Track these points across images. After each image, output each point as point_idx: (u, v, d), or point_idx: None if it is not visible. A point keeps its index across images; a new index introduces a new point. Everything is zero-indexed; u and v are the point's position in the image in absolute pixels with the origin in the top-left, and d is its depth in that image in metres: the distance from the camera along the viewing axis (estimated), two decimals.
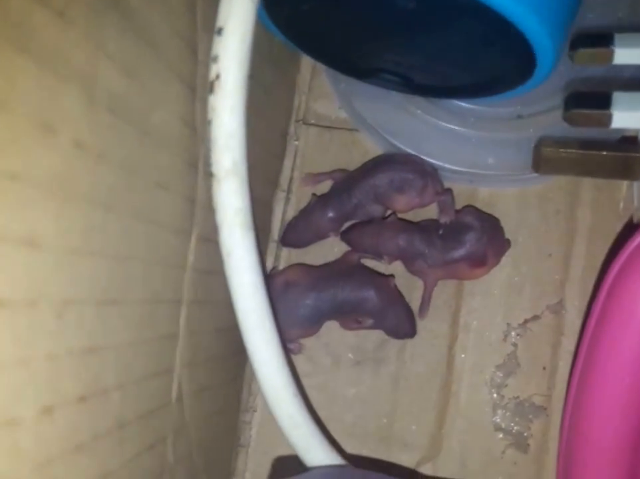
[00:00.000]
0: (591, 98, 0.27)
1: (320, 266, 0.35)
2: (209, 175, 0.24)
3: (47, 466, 0.16)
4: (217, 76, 0.23)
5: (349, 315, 0.34)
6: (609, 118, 0.27)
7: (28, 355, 0.15)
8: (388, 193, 0.34)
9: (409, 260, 0.34)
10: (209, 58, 0.23)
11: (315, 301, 0.33)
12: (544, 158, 0.29)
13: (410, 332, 0.34)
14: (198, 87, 0.24)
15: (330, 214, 0.35)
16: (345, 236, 0.35)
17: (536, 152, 0.30)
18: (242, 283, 0.25)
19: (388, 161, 0.34)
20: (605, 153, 0.28)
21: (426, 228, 0.34)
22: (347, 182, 0.35)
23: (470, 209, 0.34)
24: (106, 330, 0.19)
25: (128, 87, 0.19)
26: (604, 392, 0.27)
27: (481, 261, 0.33)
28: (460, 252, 0.33)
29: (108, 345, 0.19)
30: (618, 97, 0.27)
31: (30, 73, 0.14)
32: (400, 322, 0.34)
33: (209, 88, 0.23)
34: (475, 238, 0.33)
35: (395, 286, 0.34)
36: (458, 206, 0.35)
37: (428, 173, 0.34)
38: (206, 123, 0.23)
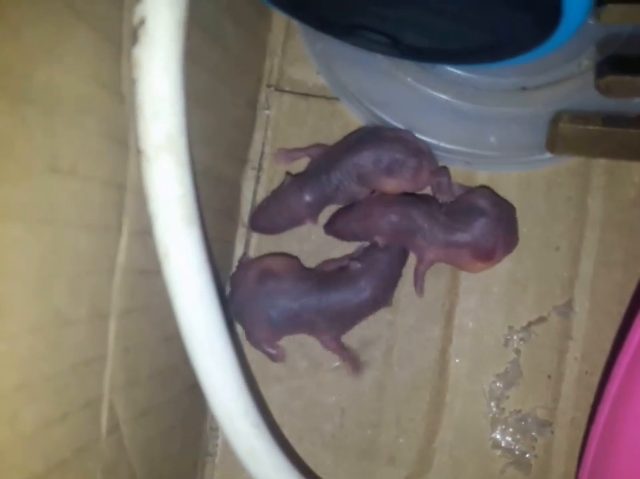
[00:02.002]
0: (631, 63, 0.24)
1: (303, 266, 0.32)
2: (138, 152, 0.20)
3: None
4: (142, 21, 0.18)
5: (335, 325, 0.31)
6: None
7: None
8: (374, 175, 0.30)
9: (406, 237, 0.30)
10: None
11: (298, 302, 0.30)
12: (561, 135, 0.27)
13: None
14: (124, 39, 0.20)
15: (307, 198, 0.31)
16: (330, 228, 0.32)
17: (552, 127, 0.27)
18: (183, 292, 0.21)
19: (374, 136, 0.31)
20: (632, 130, 0.26)
21: (425, 201, 0.31)
22: (326, 160, 0.31)
23: (487, 191, 0.31)
24: None
25: None
26: None
27: (488, 255, 0.30)
28: (466, 237, 0.30)
29: None
30: None
31: None
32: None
33: (133, 36, 0.19)
34: (487, 227, 0.30)
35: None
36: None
37: (422, 152, 0.30)
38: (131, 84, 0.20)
